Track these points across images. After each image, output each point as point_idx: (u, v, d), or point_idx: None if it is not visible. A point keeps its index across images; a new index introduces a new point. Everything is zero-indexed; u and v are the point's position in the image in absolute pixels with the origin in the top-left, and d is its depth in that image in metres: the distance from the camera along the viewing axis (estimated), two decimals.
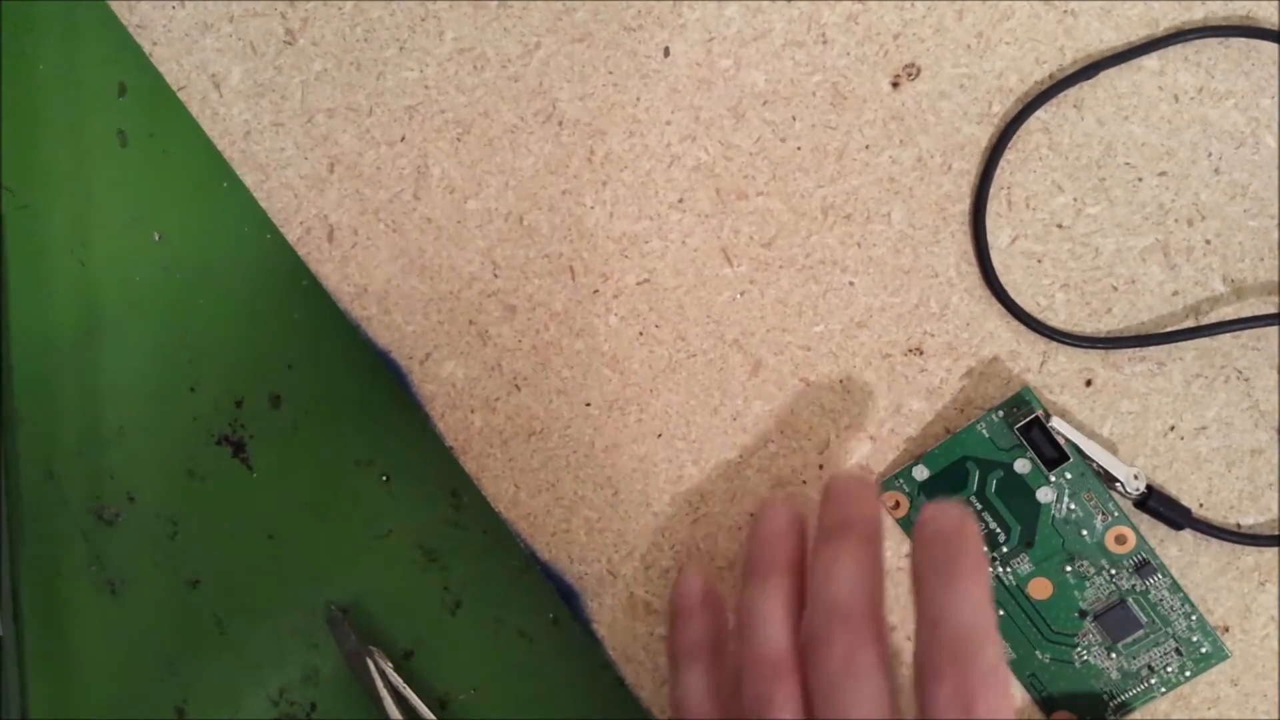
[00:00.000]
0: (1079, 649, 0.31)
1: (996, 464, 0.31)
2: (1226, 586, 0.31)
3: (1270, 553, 0.31)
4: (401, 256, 0.34)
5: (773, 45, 0.32)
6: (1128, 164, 0.31)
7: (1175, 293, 0.31)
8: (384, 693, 0.34)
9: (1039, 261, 0.31)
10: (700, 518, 0.33)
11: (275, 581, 0.36)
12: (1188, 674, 0.31)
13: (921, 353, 0.32)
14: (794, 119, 0.32)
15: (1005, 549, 0.31)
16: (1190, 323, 0.31)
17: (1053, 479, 0.31)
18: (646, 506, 0.33)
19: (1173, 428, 0.31)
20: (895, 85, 0.31)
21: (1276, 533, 0.30)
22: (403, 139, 0.33)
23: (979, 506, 0.31)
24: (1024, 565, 0.31)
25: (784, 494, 0.32)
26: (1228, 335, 0.30)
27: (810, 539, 0.28)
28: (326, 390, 0.35)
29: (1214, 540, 0.31)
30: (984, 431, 0.31)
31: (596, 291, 0.33)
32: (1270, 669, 0.31)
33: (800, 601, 0.28)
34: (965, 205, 0.31)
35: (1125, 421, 0.31)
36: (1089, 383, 0.31)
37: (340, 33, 0.33)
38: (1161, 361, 0.31)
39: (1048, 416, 0.30)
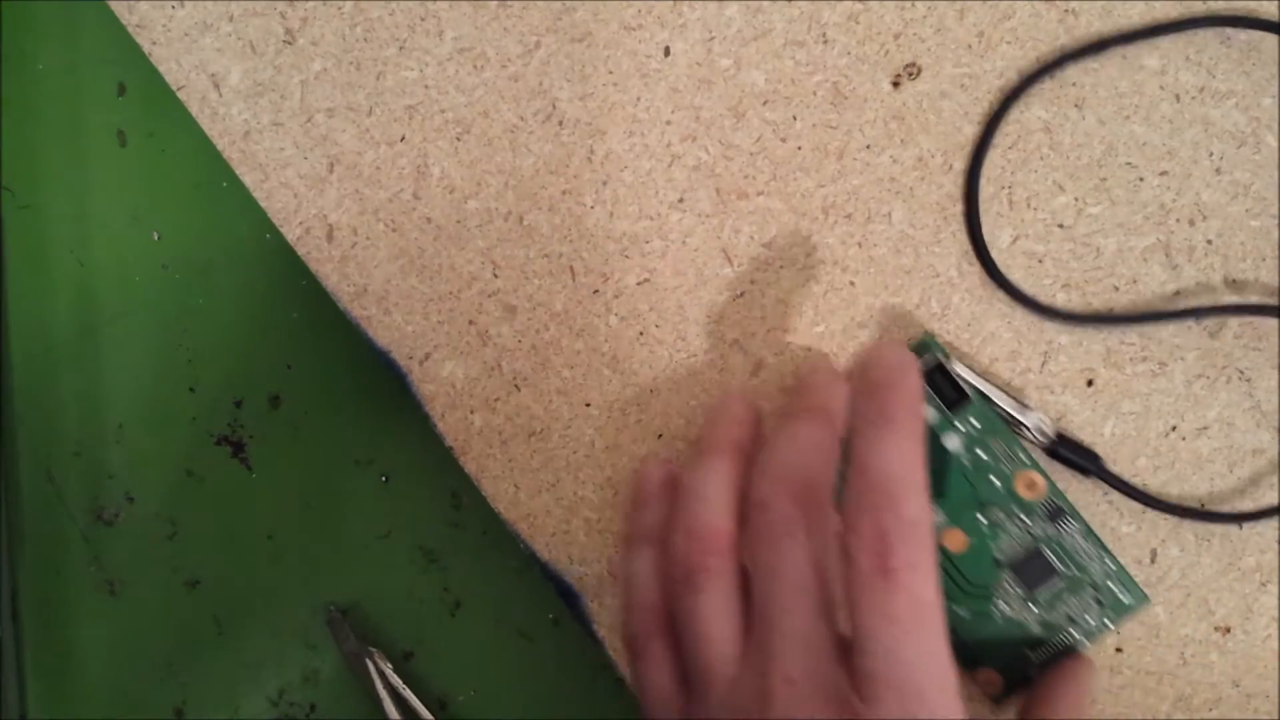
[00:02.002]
0: (997, 601, 0.31)
1: None
2: (1228, 587, 0.31)
3: (1270, 553, 0.31)
4: (401, 256, 0.34)
5: (773, 45, 0.32)
6: (1129, 164, 0.31)
7: (1177, 293, 0.31)
8: (384, 694, 0.34)
9: (1040, 261, 0.31)
10: None
11: (275, 581, 0.36)
12: (1108, 623, 0.31)
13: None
14: (794, 119, 0.32)
15: None
16: (1191, 322, 0.31)
17: (960, 427, 0.30)
18: None
19: (1174, 428, 0.31)
20: (896, 85, 0.31)
21: (1198, 506, 0.30)
22: (403, 139, 0.33)
23: None
24: (937, 517, 0.31)
25: (744, 392, 0.32)
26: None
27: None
28: (326, 390, 0.35)
29: (1215, 540, 0.31)
30: None
31: (596, 291, 0.33)
32: (1271, 669, 0.31)
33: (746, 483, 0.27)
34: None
35: (1127, 422, 0.31)
36: (1090, 383, 0.31)
37: (340, 32, 0.33)
38: (1163, 362, 0.31)
39: (949, 360, 0.30)
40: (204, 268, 0.36)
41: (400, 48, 0.33)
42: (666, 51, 0.32)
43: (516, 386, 0.33)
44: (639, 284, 0.33)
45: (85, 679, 0.37)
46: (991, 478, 0.30)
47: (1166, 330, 0.31)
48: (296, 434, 0.36)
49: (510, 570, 0.35)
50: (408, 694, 0.34)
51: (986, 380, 0.30)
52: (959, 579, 0.31)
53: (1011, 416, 0.30)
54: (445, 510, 0.35)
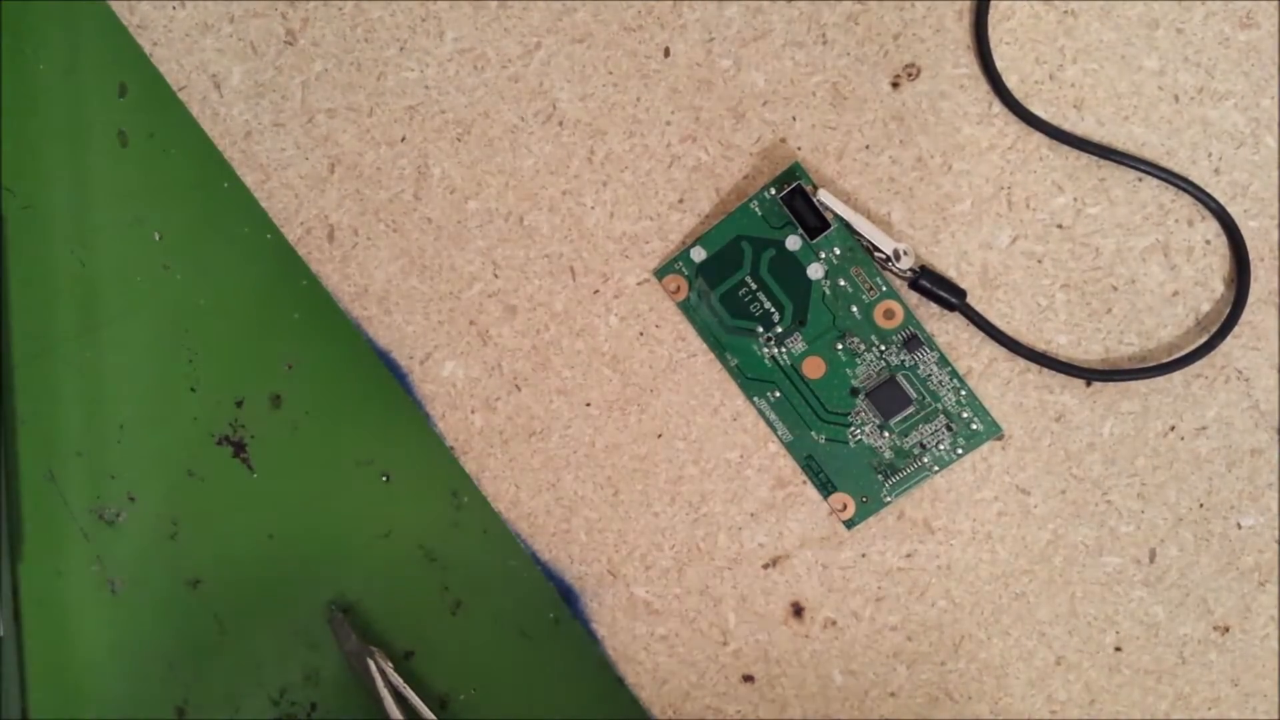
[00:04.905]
0: (853, 428, 0.31)
1: (769, 242, 0.31)
2: (1227, 586, 0.31)
3: (1270, 553, 0.31)
4: (402, 256, 0.34)
5: (773, 45, 0.32)
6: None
7: (1175, 293, 0.31)
8: (384, 693, 0.34)
9: (1039, 261, 0.31)
10: (700, 518, 0.33)
11: (275, 581, 0.36)
12: (959, 451, 0.31)
13: None
14: (794, 119, 0.32)
15: (780, 329, 0.31)
16: (1191, 322, 0.31)
17: (822, 255, 0.31)
18: (646, 506, 0.33)
19: (1173, 428, 0.31)
20: (895, 85, 0.31)
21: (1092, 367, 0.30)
22: (403, 139, 0.33)
23: (754, 286, 0.31)
24: (798, 344, 0.31)
25: None
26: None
27: None
28: (326, 390, 0.35)
29: (1214, 540, 0.31)
30: (756, 209, 0.31)
31: (596, 291, 0.33)
32: (1270, 669, 0.31)
33: None
34: (966, 205, 0.31)
35: (1126, 421, 0.31)
36: (1089, 382, 0.31)
37: (340, 33, 0.33)
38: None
39: (815, 190, 0.30)
40: (205, 268, 0.36)
41: (401, 48, 0.33)
42: (666, 52, 0.32)
43: (516, 386, 0.33)
44: (639, 284, 0.33)
45: (86, 679, 0.37)
46: (852, 307, 0.31)
47: (1166, 330, 0.31)
48: (297, 434, 0.36)
49: (510, 570, 0.35)
50: (408, 693, 0.34)
51: (853, 210, 0.30)
52: (816, 405, 0.31)
53: (873, 246, 0.30)
54: (445, 510, 0.35)
